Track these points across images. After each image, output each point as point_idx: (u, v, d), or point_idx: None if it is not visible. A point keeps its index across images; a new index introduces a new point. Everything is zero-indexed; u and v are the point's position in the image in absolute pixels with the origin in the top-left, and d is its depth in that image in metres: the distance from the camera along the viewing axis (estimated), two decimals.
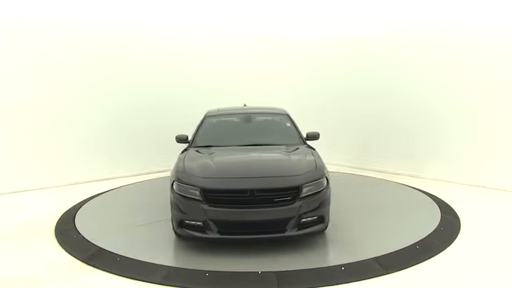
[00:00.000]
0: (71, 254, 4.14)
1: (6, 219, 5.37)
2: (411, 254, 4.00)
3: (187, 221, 4.06)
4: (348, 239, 4.48)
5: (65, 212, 5.58)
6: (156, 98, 8.42)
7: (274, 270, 3.68)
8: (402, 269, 3.66)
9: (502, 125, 6.60)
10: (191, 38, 8.97)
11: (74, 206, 5.87)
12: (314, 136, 5.52)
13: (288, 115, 5.85)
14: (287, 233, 4.00)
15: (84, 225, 5.03)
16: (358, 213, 5.38)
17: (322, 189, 4.19)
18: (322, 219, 4.17)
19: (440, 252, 4.05)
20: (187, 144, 5.44)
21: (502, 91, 6.55)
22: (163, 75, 8.57)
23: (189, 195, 4.06)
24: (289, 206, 3.99)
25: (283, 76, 9.93)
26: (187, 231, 4.08)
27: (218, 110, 6.22)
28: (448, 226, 4.80)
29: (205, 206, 3.96)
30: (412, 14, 7.72)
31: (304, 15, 9.71)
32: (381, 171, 8.21)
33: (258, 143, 5.20)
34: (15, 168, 6.88)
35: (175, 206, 4.15)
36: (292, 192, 4.03)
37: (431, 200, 5.99)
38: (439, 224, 4.85)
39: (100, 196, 6.53)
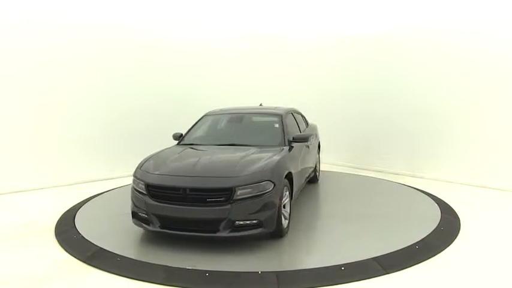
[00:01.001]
0: (70, 254, 4.14)
1: (6, 219, 5.37)
2: (411, 254, 3.99)
3: (140, 214, 4.36)
4: (347, 238, 4.48)
5: (65, 212, 5.58)
6: (156, 98, 8.43)
7: (274, 270, 3.68)
8: (402, 269, 3.66)
9: (502, 125, 6.60)
10: (191, 38, 8.97)
11: (74, 206, 5.86)
12: (302, 138, 5.35)
13: (281, 115, 5.71)
14: (218, 234, 4.00)
15: (84, 225, 5.03)
16: (358, 213, 5.37)
17: (264, 193, 4.07)
18: (261, 224, 4.05)
19: (440, 252, 4.04)
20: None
21: (503, 91, 6.55)
22: (163, 74, 8.57)
23: (139, 189, 4.38)
24: (220, 207, 3.98)
25: (283, 76, 9.94)
26: (139, 222, 4.40)
27: (220, 110, 6.31)
28: (448, 226, 4.80)
29: (149, 200, 4.22)
30: (413, 14, 7.72)
31: (304, 16, 9.72)
32: (381, 171, 8.22)
33: (235, 143, 5.25)
34: (15, 168, 6.87)
35: (131, 199, 4.50)
36: (225, 194, 4.01)
37: (431, 200, 5.99)
38: (439, 224, 4.84)
39: (100, 196, 6.53)
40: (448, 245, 4.22)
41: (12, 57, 6.80)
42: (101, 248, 4.24)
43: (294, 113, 6.42)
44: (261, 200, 4.05)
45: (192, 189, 4.08)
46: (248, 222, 4.02)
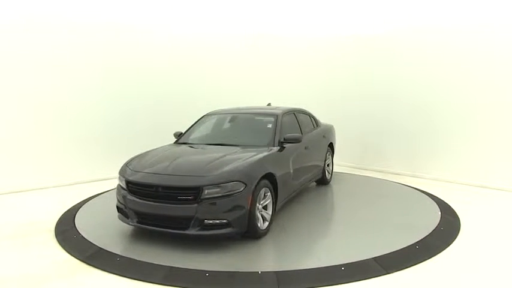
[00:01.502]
0: (70, 254, 4.14)
1: (6, 219, 5.37)
2: (411, 254, 3.99)
3: (122, 209, 4.58)
4: (347, 238, 4.48)
5: (65, 212, 5.58)
6: (156, 98, 8.43)
7: (274, 270, 3.68)
8: (402, 269, 3.66)
9: (502, 125, 6.60)
10: (191, 38, 8.98)
11: (74, 206, 5.87)
12: (294, 139, 5.22)
13: (277, 116, 5.63)
14: (187, 231, 4.07)
15: (84, 225, 5.03)
16: (358, 213, 5.38)
17: (233, 193, 4.06)
18: (230, 224, 4.04)
19: (440, 252, 4.04)
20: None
21: (502, 91, 6.55)
22: (164, 74, 8.57)
23: (121, 185, 4.63)
24: (187, 205, 4.05)
25: (283, 76, 9.94)
26: (122, 216, 4.63)
27: (222, 110, 6.34)
28: (448, 226, 4.80)
29: (128, 196, 4.44)
30: (413, 14, 7.72)
31: (304, 16, 9.72)
32: (381, 171, 8.22)
33: (224, 143, 5.27)
34: (15, 168, 6.87)
35: (116, 195, 4.75)
36: (193, 192, 4.06)
37: (431, 200, 5.99)
38: (439, 224, 4.84)
39: (100, 196, 6.53)
40: (448, 245, 4.22)
41: (12, 57, 6.80)
42: (100, 248, 4.24)
43: (297, 113, 6.33)
44: (230, 200, 4.05)
45: (164, 187, 4.20)
46: (217, 221, 4.05)
